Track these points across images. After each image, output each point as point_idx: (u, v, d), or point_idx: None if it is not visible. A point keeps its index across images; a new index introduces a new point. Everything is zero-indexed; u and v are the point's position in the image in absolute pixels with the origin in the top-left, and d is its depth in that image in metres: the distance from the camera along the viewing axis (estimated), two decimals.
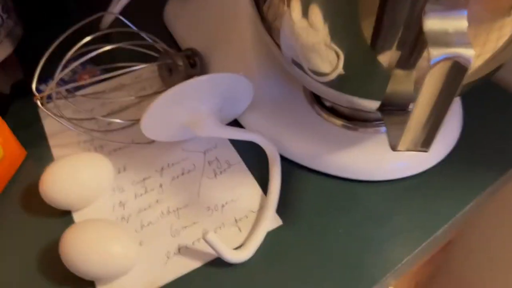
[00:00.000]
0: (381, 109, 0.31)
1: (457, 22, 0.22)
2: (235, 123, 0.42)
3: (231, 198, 0.37)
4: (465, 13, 0.22)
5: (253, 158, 0.40)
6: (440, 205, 0.37)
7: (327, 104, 0.40)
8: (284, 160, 0.39)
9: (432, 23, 0.22)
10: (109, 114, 0.44)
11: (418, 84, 0.28)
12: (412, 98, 0.30)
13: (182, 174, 0.39)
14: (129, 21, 0.46)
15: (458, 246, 0.67)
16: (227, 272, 0.33)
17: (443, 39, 0.22)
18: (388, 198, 0.37)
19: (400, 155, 0.38)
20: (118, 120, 0.40)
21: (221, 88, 0.36)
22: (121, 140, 0.41)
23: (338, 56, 0.28)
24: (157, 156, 0.40)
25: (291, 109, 0.41)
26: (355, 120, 0.39)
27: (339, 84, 0.31)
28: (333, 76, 0.30)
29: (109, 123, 0.42)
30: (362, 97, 0.32)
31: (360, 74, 0.30)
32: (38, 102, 0.36)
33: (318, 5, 0.26)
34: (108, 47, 0.39)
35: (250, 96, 0.39)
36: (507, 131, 0.42)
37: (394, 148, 0.27)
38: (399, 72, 0.28)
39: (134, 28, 0.45)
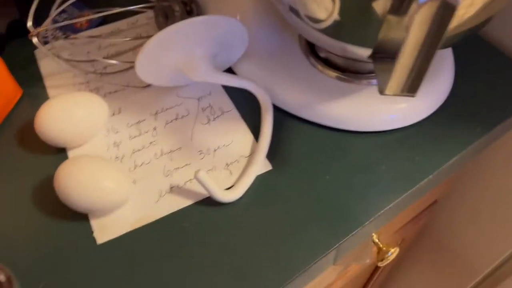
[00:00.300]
0: (372, 56, 0.32)
1: None
2: (229, 72, 0.43)
3: (223, 143, 0.38)
4: None
5: (247, 106, 0.40)
6: (426, 157, 0.38)
7: (322, 55, 0.41)
8: (276, 109, 0.40)
9: None
10: (105, 58, 0.44)
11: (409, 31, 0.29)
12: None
13: (176, 119, 0.40)
14: None
15: (444, 206, 0.69)
16: (217, 211, 0.34)
17: None
18: (377, 148, 0.38)
19: (391, 107, 0.39)
20: (114, 62, 0.40)
21: (216, 32, 0.36)
22: (117, 82, 0.42)
23: (334, 1, 0.29)
24: (152, 100, 0.41)
25: (285, 59, 0.41)
26: (349, 71, 0.40)
27: (334, 31, 0.31)
28: (328, 22, 0.31)
29: (105, 67, 0.43)
30: (356, 44, 0.32)
31: (354, 20, 0.30)
32: (34, 39, 0.37)
33: None
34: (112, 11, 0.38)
35: (245, 44, 0.39)
36: (496, 88, 0.43)
37: (381, 92, 0.28)
38: (391, 18, 0.28)
39: None
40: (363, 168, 0.37)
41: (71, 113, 0.36)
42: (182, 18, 0.43)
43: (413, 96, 0.28)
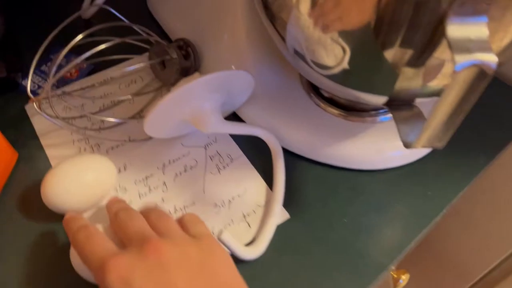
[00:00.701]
0: (388, 104, 0.32)
1: (478, 29, 0.23)
2: (233, 116, 0.42)
3: (237, 193, 0.37)
4: (485, 19, 0.23)
5: (254, 150, 0.40)
6: (437, 191, 0.38)
7: (325, 94, 0.41)
8: (285, 151, 0.40)
9: (455, 30, 0.23)
10: (101, 110, 0.42)
11: (426, 80, 0.29)
12: (420, 93, 0.31)
13: (185, 170, 0.39)
14: (111, 7, 0.44)
15: None
16: (241, 268, 0.34)
17: (466, 46, 0.22)
18: (388, 186, 0.39)
19: (398, 144, 0.39)
20: (112, 119, 0.39)
21: (224, 84, 0.35)
22: (117, 138, 0.40)
23: (344, 51, 0.29)
24: (157, 152, 0.40)
25: (288, 100, 0.41)
26: (353, 110, 0.40)
27: (342, 77, 0.31)
28: (337, 70, 0.31)
29: (103, 120, 0.41)
30: (365, 91, 0.32)
31: (366, 70, 0.30)
32: (35, 106, 0.35)
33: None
34: (102, 46, 0.37)
35: (250, 90, 0.39)
36: (495, 115, 0.44)
37: (408, 146, 0.28)
38: (408, 70, 0.28)
39: (126, 20, 0.43)
40: (378, 207, 0.37)
41: (79, 179, 0.34)
42: (180, 63, 0.42)
43: (440, 148, 0.28)
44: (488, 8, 0.22)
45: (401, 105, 0.32)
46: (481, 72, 0.22)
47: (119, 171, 0.38)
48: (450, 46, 0.22)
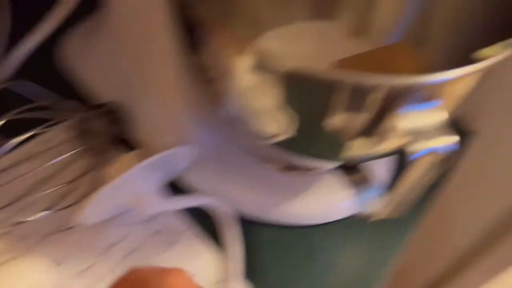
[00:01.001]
0: (341, 168, 0.31)
1: (432, 114, 0.22)
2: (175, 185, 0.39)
3: (191, 272, 0.35)
4: (438, 103, 0.22)
5: (201, 219, 0.37)
6: (388, 235, 0.38)
7: None
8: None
9: (409, 119, 0.22)
10: (24, 195, 0.38)
11: (377, 146, 0.28)
12: (372, 157, 0.30)
13: (131, 253, 0.35)
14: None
15: None
16: None
17: (421, 133, 0.22)
18: (343, 237, 0.38)
19: (346, 194, 0.39)
20: (33, 218, 0.34)
21: (165, 162, 0.33)
22: (45, 228, 0.36)
23: (284, 118, 0.27)
24: (95, 238, 0.36)
25: (232, 161, 0.39)
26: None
27: (284, 145, 0.30)
28: (280, 139, 0.29)
29: (24, 209, 0.37)
30: (312, 157, 0.31)
31: (312, 139, 0.29)
32: None
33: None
34: (21, 138, 0.33)
35: (192, 158, 0.37)
36: None
37: (367, 218, 0.28)
38: (359, 141, 0.27)
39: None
40: (336, 262, 0.37)
41: None
42: (108, 130, 0.39)
43: (397, 218, 0.28)
44: (440, 92, 0.22)
45: (353, 168, 0.31)
46: (436, 155, 0.22)
47: (56, 265, 0.34)
48: (405, 136, 0.22)
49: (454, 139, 0.22)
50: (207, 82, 0.30)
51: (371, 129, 0.25)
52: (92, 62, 0.43)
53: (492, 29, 0.28)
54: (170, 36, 0.35)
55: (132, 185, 0.32)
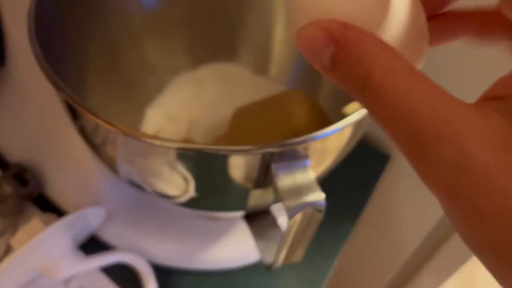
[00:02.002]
0: (244, 218, 0.32)
1: (303, 172, 0.23)
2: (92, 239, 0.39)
3: None
4: (308, 163, 0.23)
5: (120, 274, 0.37)
6: (315, 266, 0.39)
7: None
8: (154, 267, 0.37)
9: (282, 179, 0.23)
10: None
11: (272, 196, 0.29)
12: (271, 203, 0.31)
13: None
14: None
15: None
16: None
17: (294, 191, 0.23)
18: (266, 275, 0.38)
19: None
20: None
21: (74, 224, 0.32)
22: None
23: (186, 181, 0.27)
24: None
25: (146, 213, 0.39)
26: None
27: (191, 203, 0.30)
28: (183, 199, 0.29)
29: None
30: (218, 211, 0.31)
31: (214, 196, 0.29)
32: None
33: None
34: None
35: (102, 217, 0.36)
36: (354, 178, 0.45)
37: (269, 268, 0.28)
38: (256, 192, 0.28)
39: None
40: None
41: None
42: (18, 192, 0.38)
43: (298, 262, 0.28)
44: (307, 151, 0.23)
45: (258, 218, 0.31)
46: (313, 211, 0.23)
47: None
48: (279, 195, 0.22)
49: (322, 196, 0.23)
50: (97, 147, 0.30)
51: (261, 183, 0.26)
52: None
53: None
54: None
55: (43, 249, 0.32)
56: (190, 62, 0.40)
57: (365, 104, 0.14)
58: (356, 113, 0.23)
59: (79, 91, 0.33)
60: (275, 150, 0.22)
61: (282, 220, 0.32)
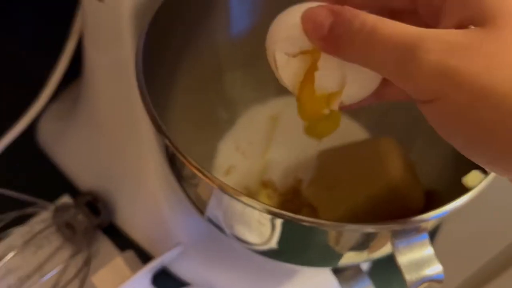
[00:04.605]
0: (333, 271, 0.31)
1: (422, 246, 0.23)
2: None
3: None
4: (426, 237, 0.23)
5: None
6: None
7: None
8: None
9: (403, 254, 0.22)
10: None
11: (369, 255, 0.28)
12: (362, 262, 0.30)
13: None
14: None
15: None
16: None
17: (415, 266, 0.22)
18: None
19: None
20: None
21: (155, 266, 0.32)
22: None
23: (272, 233, 0.27)
24: None
25: (219, 249, 0.38)
26: None
27: (270, 253, 0.30)
28: (262, 248, 0.29)
29: None
30: (299, 265, 0.31)
31: (299, 253, 0.29)
32: None
33: None
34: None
35: (178, 252, 0.36)
36: None
37: None
38: (350, 253, 0.27)
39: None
40: None
41: None
42: (90, 222, 0.38)
43: None
44: (427, 226, 0.22)
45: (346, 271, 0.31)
46: (432, 284, 0.23)
47: None
48: (401, 270, 0.22)
49: (440, 268, 0.22)
50: (188, 187, 0.30)
51: (363, 247, 0.26)
52: (68, 147, 0.42)
53: None
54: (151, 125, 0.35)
55: None
56: (266, 96, 0.39)
57: (360, 49, 0.17)
58: (482, 183, 0.23)
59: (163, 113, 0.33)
60: (399, 228, 0.21)
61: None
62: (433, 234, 0.44)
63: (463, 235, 0.54)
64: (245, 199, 0.22)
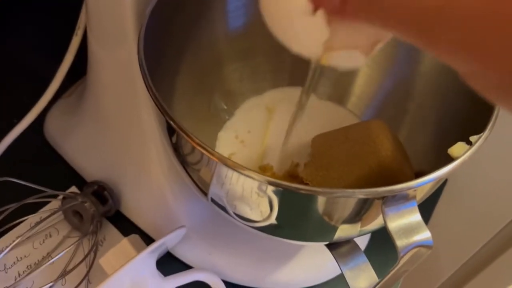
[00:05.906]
0: (328, 246, 0.32)
1: (411, 213, 0.24)
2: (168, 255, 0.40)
3: None
4: (414, 204, 0.24)
5: None
6: None
7: None
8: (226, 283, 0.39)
9: (393, 220, 0.24)
10: (17, 280, 0.38)
11: (362, 227, 0.30)
12: (356, 236, 0.32)
13: None
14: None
15: None
16: None
17: (405, 231, 0.24)
18: None
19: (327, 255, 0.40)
20: None
21: (159, 248, 0.34)
22: None
23: (271, 209, 0.28)
24: None
25: (222, 230, 0.40)
26: None
27: (269, 230, 0.31)
28: (263, 224, 0.30)
29: None
30: (297, 240, 0.32)
31: (297, 227, 0.30)
32: None
33: None
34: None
35: (182, 233, 0.38)
36: None
37: None
38: (344, 226, 0.29)
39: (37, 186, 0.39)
40: None
41: None
42: (98, 210, 0.40)
43: None
44: (415, 194, 0.24)
45: (340, 245, 0.32)
46: (421, 250, 0.24)
47: None
48: (392, 236, 0.24)
49: (429, 234, 0.24)
50: (191, 170, 0.31)
51: (356, 218, 0.27)
52: (75, 140, 0.44)
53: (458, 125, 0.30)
54: (153, 116, 0.37)
55: (135, 272, 0.33)
56: (263, 88, 0.41)
57: (380, 16, 0.18)
58: (467, 154, 0.24)
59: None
60: (388, 194, 0.23)
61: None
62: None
63: (458, 221, 0.55)
64: (244, 170, 0.23)
